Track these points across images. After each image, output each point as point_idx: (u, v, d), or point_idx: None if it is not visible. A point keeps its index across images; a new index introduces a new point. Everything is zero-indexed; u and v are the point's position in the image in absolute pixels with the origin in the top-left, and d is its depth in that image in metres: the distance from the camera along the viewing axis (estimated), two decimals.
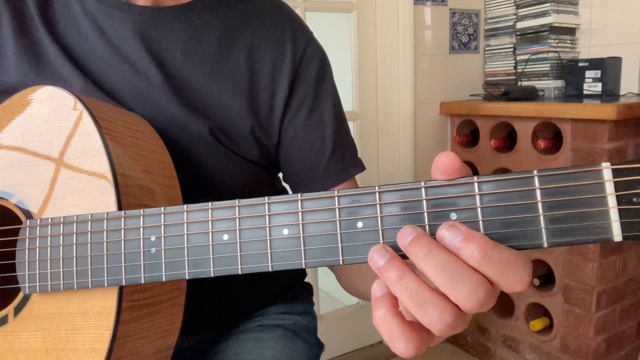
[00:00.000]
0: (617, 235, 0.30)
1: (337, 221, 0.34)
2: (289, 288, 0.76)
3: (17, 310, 0.48)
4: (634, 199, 0.29)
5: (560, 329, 1.57)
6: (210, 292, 0.61)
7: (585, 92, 1.64)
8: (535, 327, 1.62)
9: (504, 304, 1.76)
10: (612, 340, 1.55)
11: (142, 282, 0.40)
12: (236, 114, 0.61)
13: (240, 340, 0.67)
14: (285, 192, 0.74)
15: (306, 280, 0.82)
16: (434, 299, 0.31)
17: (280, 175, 0.72)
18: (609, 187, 0.30)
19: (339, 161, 0.65)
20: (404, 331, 0.32)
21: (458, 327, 0.32)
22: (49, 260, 0.44)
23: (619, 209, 0.29)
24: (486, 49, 1.94)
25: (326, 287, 1.93)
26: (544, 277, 1.61)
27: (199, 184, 0.59)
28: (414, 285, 0.31)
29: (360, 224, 0.34)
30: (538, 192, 0.31)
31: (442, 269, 0.30)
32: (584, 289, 1.49)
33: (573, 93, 1.68)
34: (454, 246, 0.31)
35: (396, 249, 0.33)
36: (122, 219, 0.41)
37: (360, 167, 0.68)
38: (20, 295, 0.48)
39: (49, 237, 0.45)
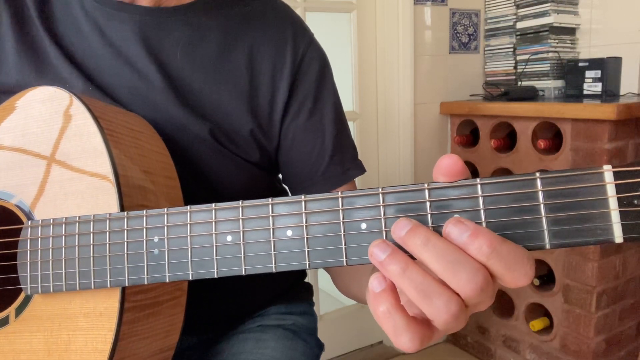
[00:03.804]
0: (618, 236, 0.30)
1: (341, 222, 0.35)
2: (289, 288, 0.76)
3: (19, 311, 0.48)
4: (635, 201, 0.29)
5: (560, 329, 1.57)
6: (210, 293, 0.61)
7: (585, 92, 1.64)
8: (535, 327, 1.62)
9: (504, 304, 1.76)
10: (612, 340, 1.55)
11: (146, 282, 0.40)
12: (236, 116, 0.61)
13: (240, 340, 0.68)
14: (285, 192, 0.74)
15: (306, 280, 0.82)
16: (440, 289, 0.31)
17: (280, 176, 0.72)
18: (610, 190, 0.30)
19: (339, 164, 0.65)
20: (409, 325, 0.32)
21: (459, 322, 0.32)
22: (51, 261, 0.44)
23: (620, 211, 0.30)
24: (486, 49, 1.94)
25: (326, 287, 1.93)
26: (544, 277, 1.61)
27: (198, 185, 0.59)
28: (419, 276, 0.31)
29: (364, 225, 0.34)
30: (540, 194, 0.31)
31: (441, 256, 0.31)
32: (584, 289, 1.49)
33: (573, 93, 1.68)
34: (461, 241, 0.31)
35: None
36: (125, 219, 0.41)
37: (361, 170, 0.68)
38: (22, 296, 0.48)
39: (50, 238, 0.45)
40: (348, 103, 1.80)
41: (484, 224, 0.32)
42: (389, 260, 0.32)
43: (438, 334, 0.34)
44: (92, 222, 0.43)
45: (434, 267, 0.31)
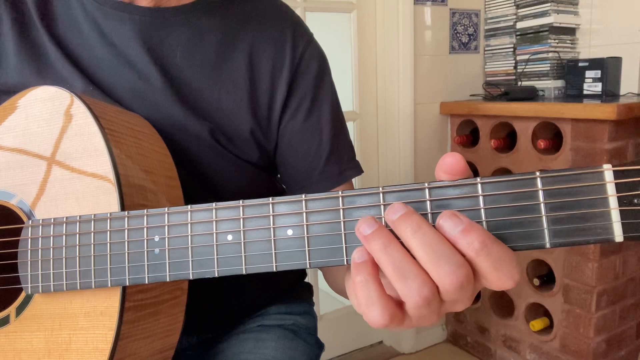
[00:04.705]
0: (618, 235, 0.30)
1: (342, 222, 0.35)
2: (289, 288, 0.76)
3: (19, 310, 0.48)
4: (635, 200, 0.29)
5: (560, 329, 1.57)
6: (210, 293, 0.61)
7: (585, 92, 1.64)
8: (535, 327, 1.62)
9: (504, 304, 1.76)
10: (612, 340, 1.55)
11: (146, 282, 0.40)
12: (236, 116, 0.61)
13: (241, 340, 0.68)
14: (285, 192, 0.74)
15: (306, 280, 0.82)
16: (416, 271, 0.32)
17: (279, 175, 0.72)
18: (610, 189, 0.30)
19: (336, 164, 0.65)
20: (381, 298, 0.32)
21: (431, 313, 0.33)
22: (51, 260, 0.44)
23: (620, 210, 0.30)
24: (486, 49, 1.94)
25: (326, 287, 1.92)
26: (544, 277, 1.61)
27: (198, 184, 0.59)
28: (398, 254, 0.32)
29: None
30: (540, 194, 0.31)
31: (428, 246, 0.31)
32: (584, 289, 1.49)
33: (573, 93, 1.68)
34: (453, 235, 0.31)
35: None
36: (126, 219, 0.41)
37: (358, 170, 0.68)
38: (22, 295, 0.48)
39: (51, 237, 0.45)
40: (348, 103, 1.80)
41: (484, 222, 0.32)
42: (373, 235, 0.32)
43: (409, 321, 0.34)
44: (92, 222, 0.43)
45: (419, 255, 0.32)
